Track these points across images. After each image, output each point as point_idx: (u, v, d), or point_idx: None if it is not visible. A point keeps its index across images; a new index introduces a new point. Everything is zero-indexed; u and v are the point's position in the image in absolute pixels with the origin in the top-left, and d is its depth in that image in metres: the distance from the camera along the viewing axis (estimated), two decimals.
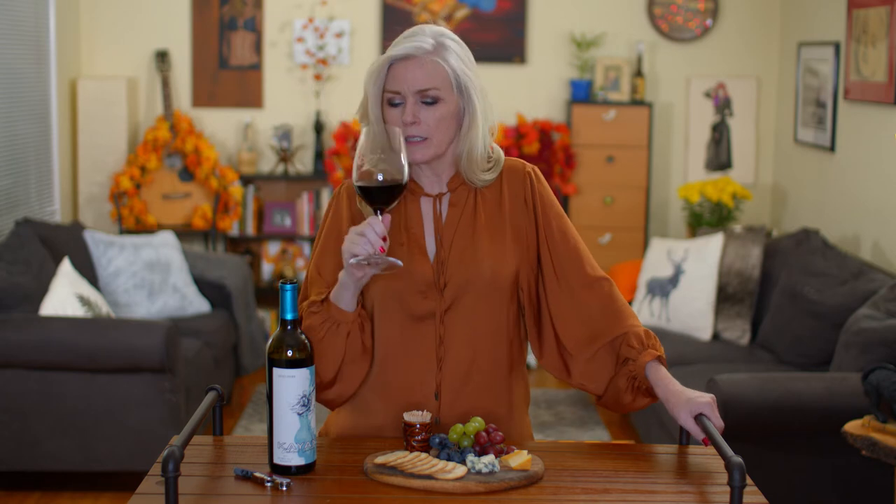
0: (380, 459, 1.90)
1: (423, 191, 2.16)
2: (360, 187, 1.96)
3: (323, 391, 2.11)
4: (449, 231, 2.14)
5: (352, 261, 1.95)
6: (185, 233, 6.33)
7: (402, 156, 1.96)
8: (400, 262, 1.97)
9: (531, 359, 5.77)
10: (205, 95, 6.59)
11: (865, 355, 3.90)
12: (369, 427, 2.15)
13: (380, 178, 1.95)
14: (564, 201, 6.38)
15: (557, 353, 2.16)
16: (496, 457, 1.91)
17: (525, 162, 2.21)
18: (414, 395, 2.11)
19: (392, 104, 2.08)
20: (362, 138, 1.97)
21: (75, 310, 4.55)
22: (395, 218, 2.15)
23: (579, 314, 2.14)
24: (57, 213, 6.06)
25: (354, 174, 1.96)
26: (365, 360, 2.11)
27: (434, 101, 2.06)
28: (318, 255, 2.14)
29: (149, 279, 5.26)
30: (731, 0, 6.58)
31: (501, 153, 2.19)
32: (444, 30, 2.12)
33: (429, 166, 2.15)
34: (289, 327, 1.89)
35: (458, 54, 2.09)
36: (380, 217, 1.96)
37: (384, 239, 1.95)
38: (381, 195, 1.96)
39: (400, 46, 2.07)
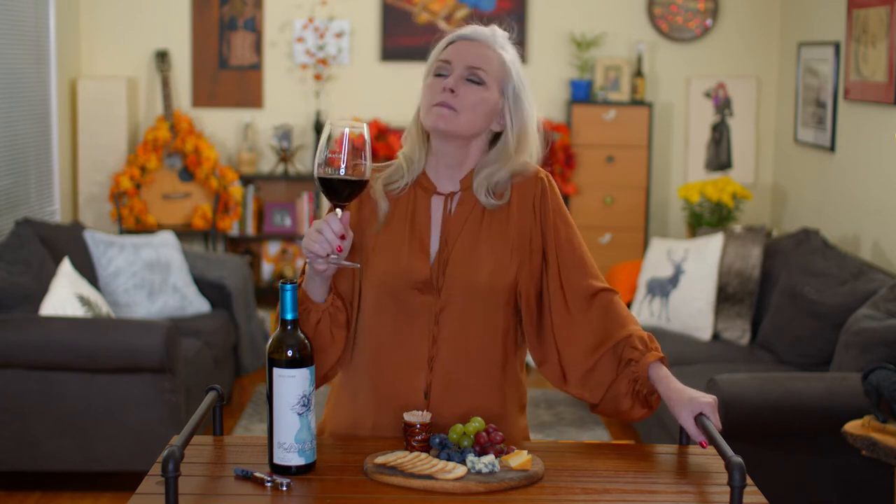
0: (380, 459, 1.90)
1: (435, 189, 2.17)
2: (321, 179, 1.96)
3: None
4: (454, 231, 2.13)
5: (308, 258, 1.98)
6: (185, 233, 6.33)
7: (368, 153, 1.95)
8: (357, 265, 2.02)
9: (530, 360, 5.77)
10: (205, 95, 6.59)
11: (865, 355, 3.90)
12: (362, 421, 2.16)
13: (342, 171, 1.94)
14: (564, 201, 6.37)
15: (557, 362, 2.15)
16: (496, 457, 1.91)
17: (538, 167, 2.20)
18: (404, 392, 2.11)
19: (438, 74, 2.13)
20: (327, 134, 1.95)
21: (75, 310, 4.55)
22: (403, 214, 2.15)
23: (583, 327, 2.13)
24: (57, 213, 6.06)
25: (316, 168, 1.96)
26: (333, 351, 2.12)
27: (478, 82, 2.10)
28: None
29: (149, 279, 5.26)
30: (731, 0, 6.58)
31: (509, 188, 2.16)
32: (512, 45, 2.20)
33: (447, 156, 2.14)
34: (289, 327, 1.89)
35: (519, 66, 2.17)
36: (339, 215, 1.97)
37: (342, 237, 1.96)
38: (344, 189, 1.95)
39: (470, 27, 2.17)
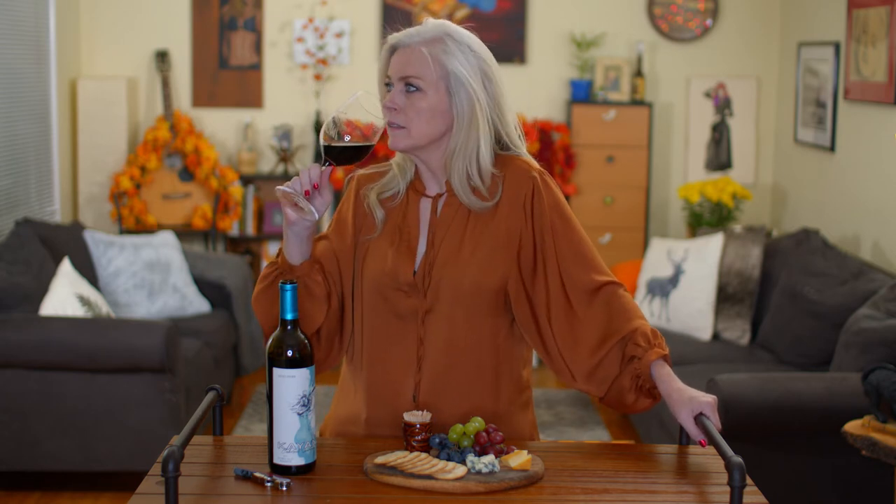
0: (380, 459, 1.90)
1: (424, 191, 2.17)
2: (324, 146, 2.01)
3: (265, 344, 2.14)
4: (440, 232, 2.13)
5: (277, 194, 2.01)
6: (185, 233, 6.33)
7: (377, 121, 2.03)
8: (316, 215, 2.01)
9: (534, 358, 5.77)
10: (205, 95, 6.59)
11: (865, 355, 3.90)
12: (357, 416, 2.17)
13: (346, 139, 2.01)
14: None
15: (561, 360, 2.13)
16: (496, 457, 1.91)
17: (533, 165, 2.17)
18: (395, 392, 2.12)
19: (387, 88, 2.13)
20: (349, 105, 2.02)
21: (75, 310, 4.55)
22: (395, 217, 2.16)
23: (587, 323, 2.11)
24: (57, 213, 6.07)
25: (322, 134, 2.02)
26: (307, 326, 2.11)
27: (415, 90, 2.08)
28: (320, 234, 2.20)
29: (149, 279, 5.26)
30: (731, 0, 6.58)
31: (500, 184, 2.13)
32: (453, 30, 2.11)
33: (425, 163, 2.15)
34: (289, 327, 1.89)
35: (458, 54, 2.08)
36: (322, 167, 2.01)
37: (315, 186, 2.00)
38: (343, 153, 2.01)
39: (399, 33, 2.12)
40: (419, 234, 2.15)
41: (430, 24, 2.12)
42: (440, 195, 2.16)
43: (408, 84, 2.08)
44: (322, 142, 2.01)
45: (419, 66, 2.07)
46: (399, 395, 2.12)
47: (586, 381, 2.12)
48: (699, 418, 1.98)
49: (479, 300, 2.11)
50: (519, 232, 2.13)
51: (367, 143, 2.02)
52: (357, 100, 2.01)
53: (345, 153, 2.01)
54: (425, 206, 2.16)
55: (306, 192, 1.99)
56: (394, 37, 2.12)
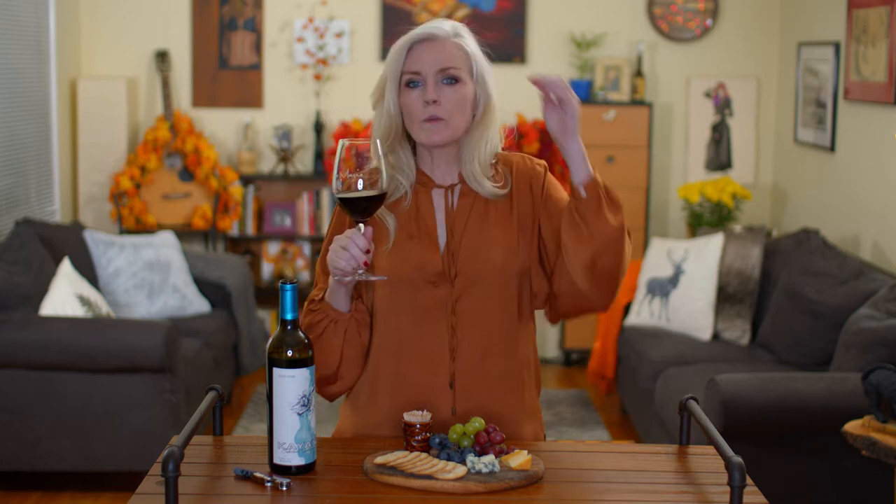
0: (380, 459, 1.90)
1: (434, 183, 2.18)
2: (341, 199, 1.98)
3: (325, 387, 2.16)
4: (460, 221, 2.15)
5: (336, 276, 2.00)
6: (185, 233, 6.33)
7: (383, 165, 1.98)
8: (384, 278, 2.03)
9: None
10: (205, 95, 6.58)
11: (865, 355, 3.90)
12: (386, 421, 2.15)
13: (360, 186, 1.96)
14: None
15: (564, 281, 2.12)
16: (496, 457, 1.91)
17: (535, 159, 2.23)
18: (428, 386, 2.12)
19: (410, 85, 2.11)
20: (341, 153, 1.97)
21: (75, 310, 4.55)
22: (407, 212, 2.16)
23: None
24: (57, 213, 6.07)
25: (335, 186, 1.97)
26: (363, 357, 2.15)
27: (454, 81, 2.10)
28: (322, 251, 2.16)
29: (149, 279, 5.26)
30: (731, 0, 6.58)
31: (509, 177, 2.18)
32: (462, 25, 2.18)
33: (443, 156, 2.16)
34: (289, 327, 1.89)
35: (474, 47, 2.16)
36: (362, 230, 1.98)
37: (367, 251, 1.97)
38: (363, 204, 1.97)
39: (420, 28, 2.14)
40: (436, 224, 2.16)
41: (447, 21, 2.17)
42: (453, 185, 2.17)
43: (447, 76, 2.10)
44: (338, 195, 1.96)
45: (456, 57, 2.11)
46: (435, 387, 2.11)
47: (585, 273, 2.07)
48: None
49: (507, 283, 2.13)
50: (529, 214, 2.17)
51: (381, 192, 1.98)
52: (342, 146, 1.96)
53: (365, 200, 1.97)
54: (438, 196, 2.17)
55: (365, 263, 1.97)
56: (422, 30, 2.13)
